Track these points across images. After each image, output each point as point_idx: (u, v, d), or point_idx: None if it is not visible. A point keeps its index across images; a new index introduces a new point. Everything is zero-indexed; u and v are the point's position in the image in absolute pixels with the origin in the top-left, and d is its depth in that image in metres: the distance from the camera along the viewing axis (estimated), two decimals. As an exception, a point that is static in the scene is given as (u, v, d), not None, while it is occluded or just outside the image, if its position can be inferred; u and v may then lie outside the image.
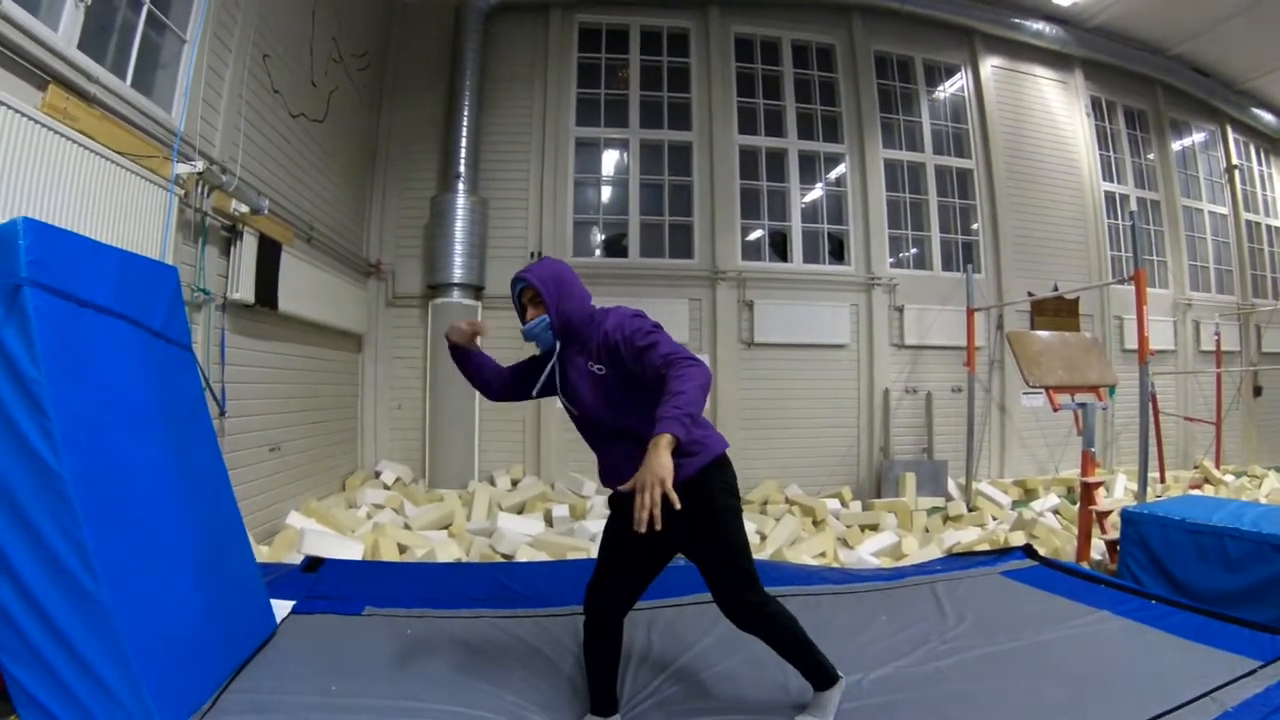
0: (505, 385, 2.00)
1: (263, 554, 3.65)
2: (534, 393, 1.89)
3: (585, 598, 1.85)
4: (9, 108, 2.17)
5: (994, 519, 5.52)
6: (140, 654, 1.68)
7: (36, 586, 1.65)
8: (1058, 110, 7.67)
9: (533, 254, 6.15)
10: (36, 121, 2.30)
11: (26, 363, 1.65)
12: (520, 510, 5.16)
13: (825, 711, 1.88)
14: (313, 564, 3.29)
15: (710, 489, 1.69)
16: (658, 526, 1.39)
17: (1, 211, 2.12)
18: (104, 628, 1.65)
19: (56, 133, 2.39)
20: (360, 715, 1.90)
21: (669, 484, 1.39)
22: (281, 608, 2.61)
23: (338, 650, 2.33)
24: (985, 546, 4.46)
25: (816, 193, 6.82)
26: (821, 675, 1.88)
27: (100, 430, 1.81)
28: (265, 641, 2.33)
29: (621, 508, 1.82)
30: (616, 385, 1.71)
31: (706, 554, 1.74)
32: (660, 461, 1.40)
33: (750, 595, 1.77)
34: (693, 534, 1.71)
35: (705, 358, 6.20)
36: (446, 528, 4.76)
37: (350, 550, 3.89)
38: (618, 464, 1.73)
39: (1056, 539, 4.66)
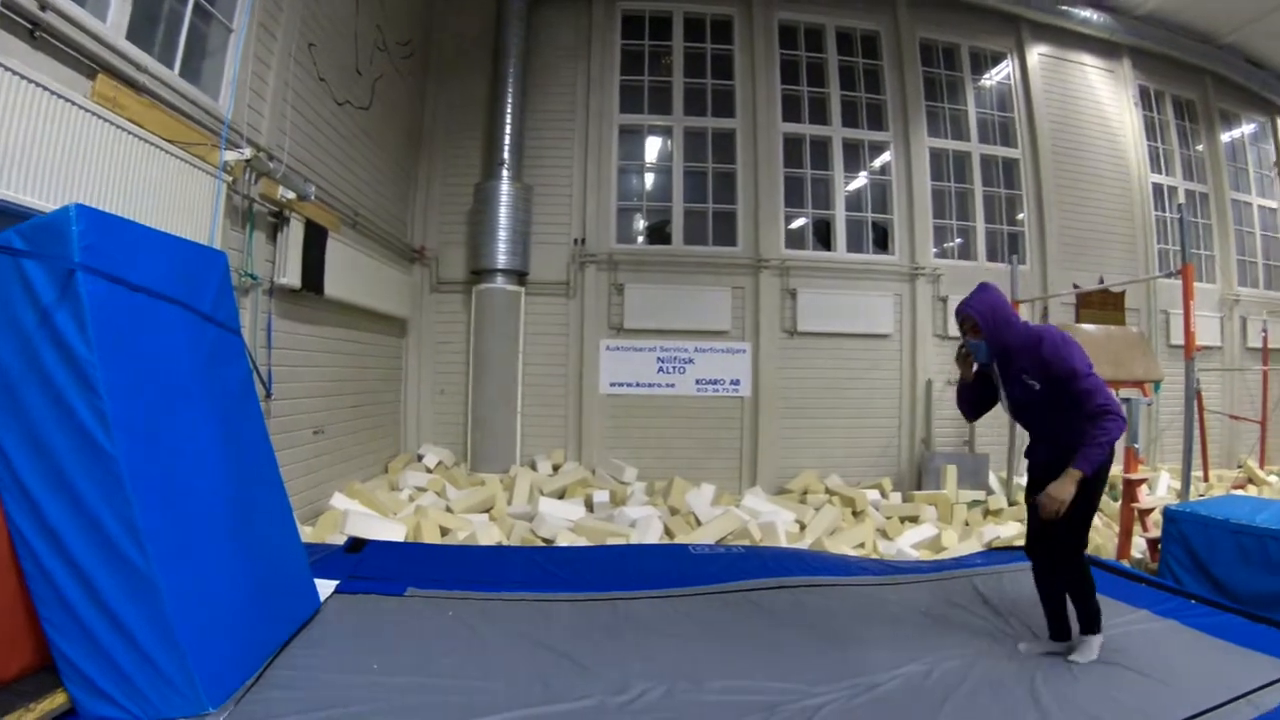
0: (980, 404, 2.48)
1: (307, 534, 3.70)
2: (999, 401, 2.37)
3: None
4: (60, 97, 2.21)
5: None
6: (187, 630, 1.71)
7: (87, 564, 1.68)
8: (1105, 100, 7.52)
9: (576, 240, 6.15)
10: (87, 110, 2.33)
11: (80, 345, 1.67)
12: (561, 495, 5.19)
13: (1090, 650, 2.24)
14: (356, 545, 3.32)
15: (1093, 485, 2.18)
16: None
17: (55, 198, 2.16)
18: (153, 605, 1.68)
19: (107, 121, 2.42)
20: (401, 693, 1.91)
21: (1064, 508, 2.05)
22: (325, 587, 2.63)
23: (379, 630, 2.35)
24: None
25: (861, 181, 6.75)
26: (1093, 622, 2.26)
27: (151, 411, 1.83)
28: (309, 620, 2.35)
29: (1034, 484, 2.33)
30: (1045, 399, 2.17)
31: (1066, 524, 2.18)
32: (1065, 490, 2.05)
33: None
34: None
35: (748, 346, 6.20)
36: (488, 511, 4.81)
37: (393, 532, 3.95)
38: (1041, 452, 2.29)
39: (1098, 536, 4.59)
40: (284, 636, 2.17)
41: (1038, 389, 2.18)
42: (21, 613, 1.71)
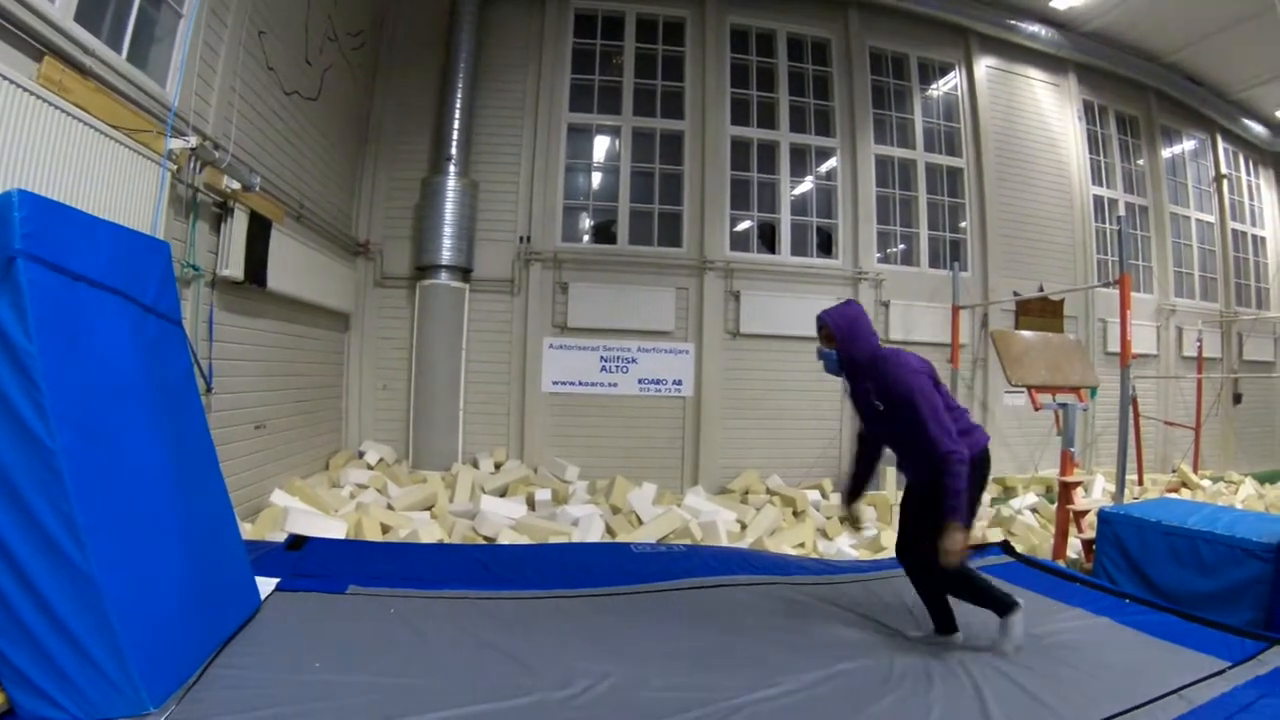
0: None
1: (247, 531, 3.65)
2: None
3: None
4: (4, 79, 2.15)
5: None
6: (128, 629, 1.68)
7: (26, 561, 1.64)
8: (1050, 112, 7.73)
9: (522, 238, 6.15)
10: (31, 93, 2.27)
11: (20, 335, 1.64)
12: (503, 493, 5.18)
13: (1014, 631, 2.29)
14: (296, 542, 3.28)
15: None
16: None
17: None
18: (92, 603, 1.64)
19: (51, 104, 2.37)
20: (343, 691, 1.91)
21: (963, 555, 2.12)
22: (266, 585, 2.60)
23: (321, 628, 2.33)
24: None
25: (806, 186, 6.85)
26: (1001, 605, 2.31)
27: (93, 404, 1.80)
28: (250, 618, 2.33)
29: (908, 491, 2.45)
30: (891, 420, 2.21)
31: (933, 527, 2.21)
32: (955, 541, 2.07)
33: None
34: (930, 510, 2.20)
35: (691, 347, 6.25)
36: (429, 509, 4.78)
37: (334, 529, 3.89)
38: (908, 470, 2.37)
39: (1034, 536, 4.73)
40: (225, 635, 2.14)
41: (882, 410, 2.22)
42: None
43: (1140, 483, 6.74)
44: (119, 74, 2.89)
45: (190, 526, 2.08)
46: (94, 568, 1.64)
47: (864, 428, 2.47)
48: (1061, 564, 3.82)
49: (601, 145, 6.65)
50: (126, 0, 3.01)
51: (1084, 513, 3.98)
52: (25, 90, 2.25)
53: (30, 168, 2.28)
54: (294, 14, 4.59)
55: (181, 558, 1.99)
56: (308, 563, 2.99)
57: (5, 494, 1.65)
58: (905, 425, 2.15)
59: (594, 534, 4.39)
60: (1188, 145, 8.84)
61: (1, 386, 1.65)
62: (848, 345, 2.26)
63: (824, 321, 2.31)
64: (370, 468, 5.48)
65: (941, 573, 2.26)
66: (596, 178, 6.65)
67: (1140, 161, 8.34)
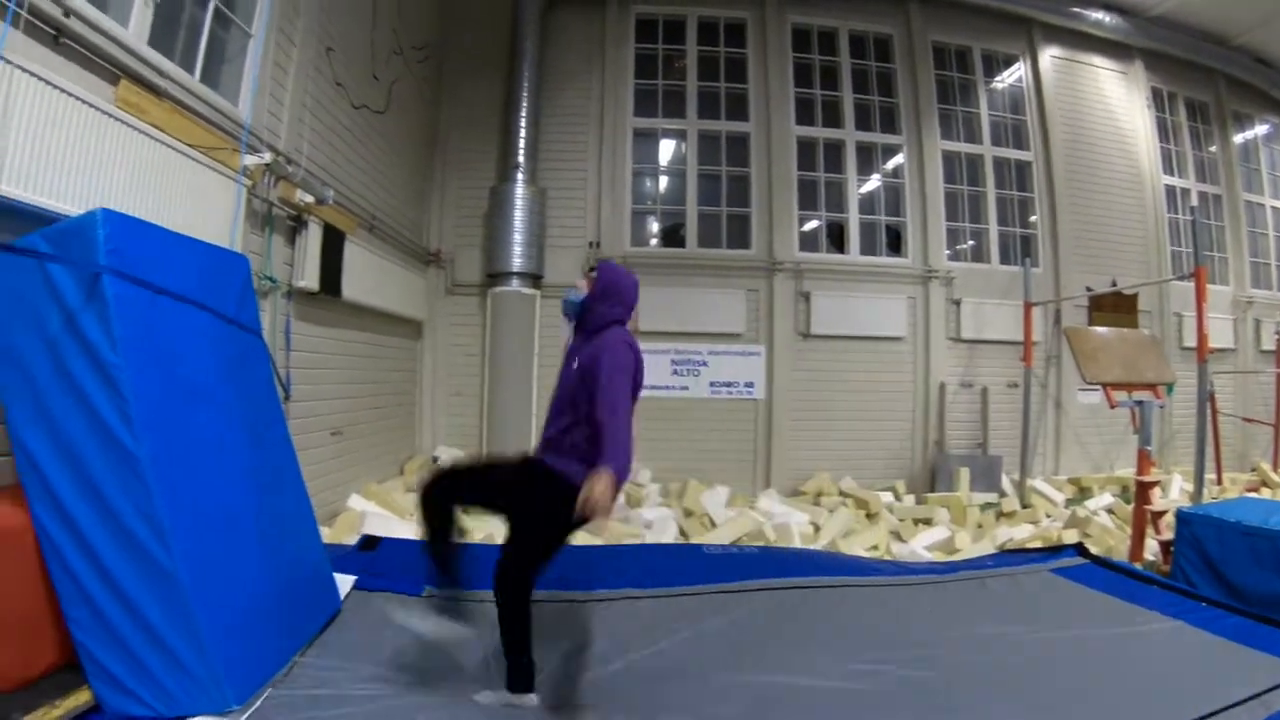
0: None
1: (324, 535, 3.66)
2: None
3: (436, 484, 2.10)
4: (84, 102, 2.23)
5: (1048, 516, 5.47)
6: (212, 628, 1.72)
7: (113, 563, 1.69)
8: (1117, 102, 7.51)
9: (591, 243, 6.20)
10: (110, 115, 2.34)
11: (106, 348, 1.69)
12: (576, 497, 5.21)
13: (508, 700, 1.95)
14: (369, 543, 3.35)
15: (563, 494, 1.86)
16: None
17: (79, 202, 2.17)
18: (178, 602, 1.69)
19: (130, 126, 2.44)
20: (422, 691, 1.93)
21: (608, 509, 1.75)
22: (344, 583, 2.66)
23: (398, 628, 2.34)
24: (1038, 544, 4.43)
25: (874, 184, 6.77)
26: (524, 680, 1.97)
27: (176, 413, 1.85)
28: (332, 618, 2.38)
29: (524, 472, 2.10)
30: (571, 387, 1.98)
31: (522, 527, 2.01)
32: (601, 486, 1.69)
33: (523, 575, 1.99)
34: (527, 508, 1.99)
35: (761, 349, 6.22)
36: None
37: (409, 533, 3.94)
38: (548, 437, 2.04)
39: (1110, 538, 4.61)
40: (308, 635, 2.19)
41: (574, 369, 2.01)
42: (47, 612, 1.74)
43: (1219, 482, 6.52)
44: (193, 94, 2.98)
45: (272, 529, 2.12)
46: (179, 568, 1.69)
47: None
48: (1138, 566, 3.71)
49: (667, 149, 6.66)
50: (197, 23, 3.10)
51: (1161, 513, 3.87)
52: (104, 113, 2.32)
53: (112, 187, 2.35)
54: (360, 30, 4.68)
55: (263, 559, 2.03)
56: (381, 563, 3.05)
57: (92, 499, 1.71)
58: (577, 400, 1.95)
59: (667, 536, 4.40)
60: (1260, 130, 8.50)
61: (88, 396, 1.70)
62: (596, 300, 2.04)
63: (596, 268, 2.12)
64: (445, 473, 5.56)
65: (499, 586, 1.95)
66: (663, 181, 6.67)
67: (1212, 149, 8.05)
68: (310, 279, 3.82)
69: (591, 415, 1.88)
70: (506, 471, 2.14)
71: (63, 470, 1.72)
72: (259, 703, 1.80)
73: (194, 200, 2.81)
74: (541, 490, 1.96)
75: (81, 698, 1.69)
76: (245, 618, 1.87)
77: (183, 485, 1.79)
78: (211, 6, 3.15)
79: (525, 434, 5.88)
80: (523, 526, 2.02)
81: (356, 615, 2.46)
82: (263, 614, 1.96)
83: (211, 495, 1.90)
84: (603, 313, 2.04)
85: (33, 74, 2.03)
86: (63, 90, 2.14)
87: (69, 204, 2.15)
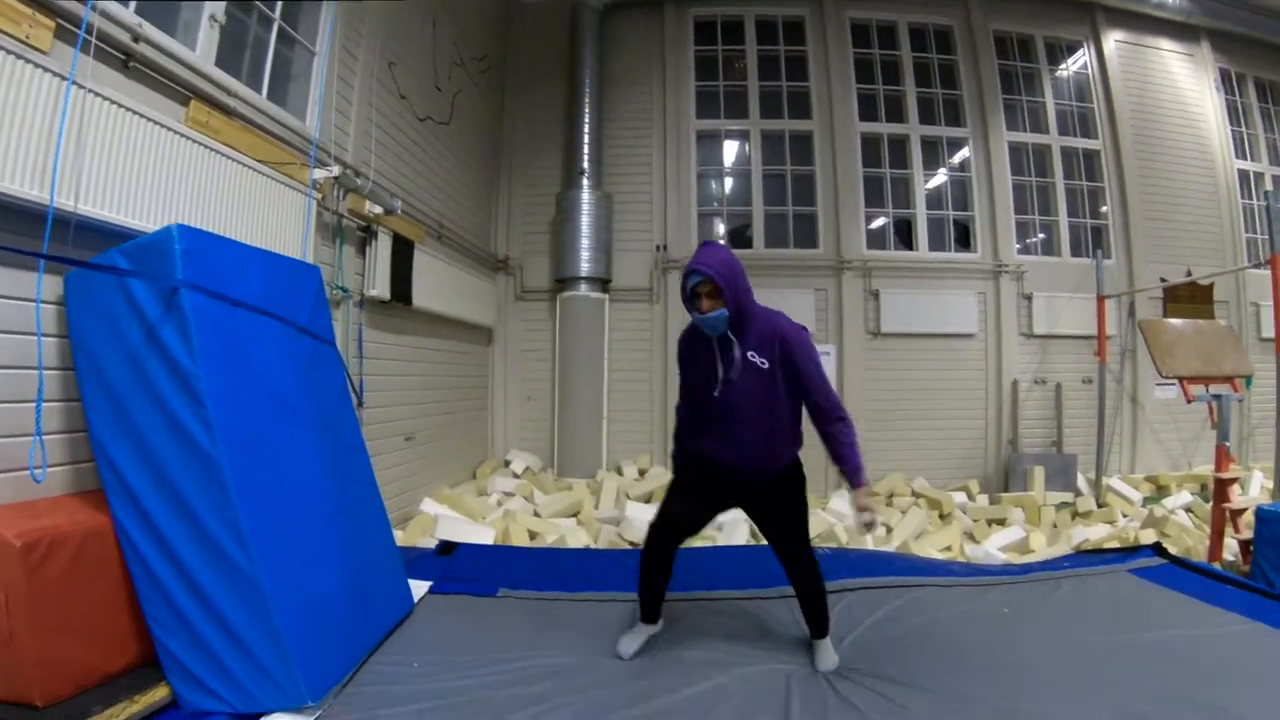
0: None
1: (398, 538, 3.73)
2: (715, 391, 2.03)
3: (651, 529, 2.22)
4: (156, 123, 2.30)
5: (1124, 515, 5.34)
6: (288, 627, 1.76)
7: (193, 565, 1.75)
8: (1185, 85, 7.28)
9: (658, 246, 6.22)
10: (181, 135, 2.42)
11: (185, 358, 1.76)
12: (648, 500, 5.24)
13: (829, 655, 2.20)
14: (447, 548, 3.42)
15: (801, 478, 2.16)
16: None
17: (154, 219, 2.24)
18: (256, 602, 1.74)
19: (201, 144, 2.52)
20: (494, 690, 1.95)
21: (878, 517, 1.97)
22: (419, 588, 2.72)
23: (473, 628, 2.41)
24: (1114, 544, 4.34)
25: (940, 178, 6.66)
26: (826, 625, 2.23)
27: (254, 420, 1.91)
28: (404, 618, 2.43)
29: (706, 470, 2.13)
30: (764, 384, 1.95)
31: (794, 522, 2.17)
32: (872, 501, 1.97)
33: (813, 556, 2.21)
34: (779, 508, 2.14)
35: (831, 349, 6.18)
36: (575, 515, 4.89)
37: (482, 536, 4.04)
38: (744, 441, 2.02)
39: (1188, 537, 4.50)
40: (380, 634, 2.25)
41: (764, 368, 1.93)
42: (128, 611, 1.81)
43: (1302, 477, 6.28)
44: (261, 112, 3.06)
45: (347, 531, 2.18)
46: (257, 570, 1.74)
47: (718, 398, 2.02)
48: (1217, 566, 3.60)
49: (731, 150, 6.64)
50: (263, 43, 3.19)
51: (1240, 511, 3.75)
52: (176, 133, 2.40)
53: (187, 204, 2.42)
54: (421, 44, 4.76)
55: (338, 561, 2.08)
56: (458, 567, 3.10)
57: (174, 503, 1.76)
58: (776, 392, 1.96)
59: (739, 538, 4.39)
60: (1334, 110, 8.18)
61: (169, 405, 1.76)
62: (739, 299, 1.90)
63: (706, 275, 1.87)
64: (516, 476, 5.64)
65: (804, 562, 2.16)
66: (729, 183, 6.65)
67: (1285, 131, 7.77)
68: (381, 288, 3.91)
69: (812, 404, 1.99)
70: (744, 501, 2.18)
71: (145, 477, 1.79)
72: (333, 699, 1.84)
73: (266, 214, 2.89)
74: (792, 485, 2.14)
75: (159, 693, 1.75)
76: (321, 618, 1.92)
77: (261, 489, 1.85)
78: (275, 27, 3.24)
79: (596, 437, 5.95)
80: (795, 521, 2.17)
81: (429, 616, 2.52)
82: (338, 614, 2.01)
83: (289, 498, 1.96)
84: (751, 301, 1.95)
85: (105, 98, 2.10)
86: (135, 112, 2.21)
87: (145, 221, 2.22)
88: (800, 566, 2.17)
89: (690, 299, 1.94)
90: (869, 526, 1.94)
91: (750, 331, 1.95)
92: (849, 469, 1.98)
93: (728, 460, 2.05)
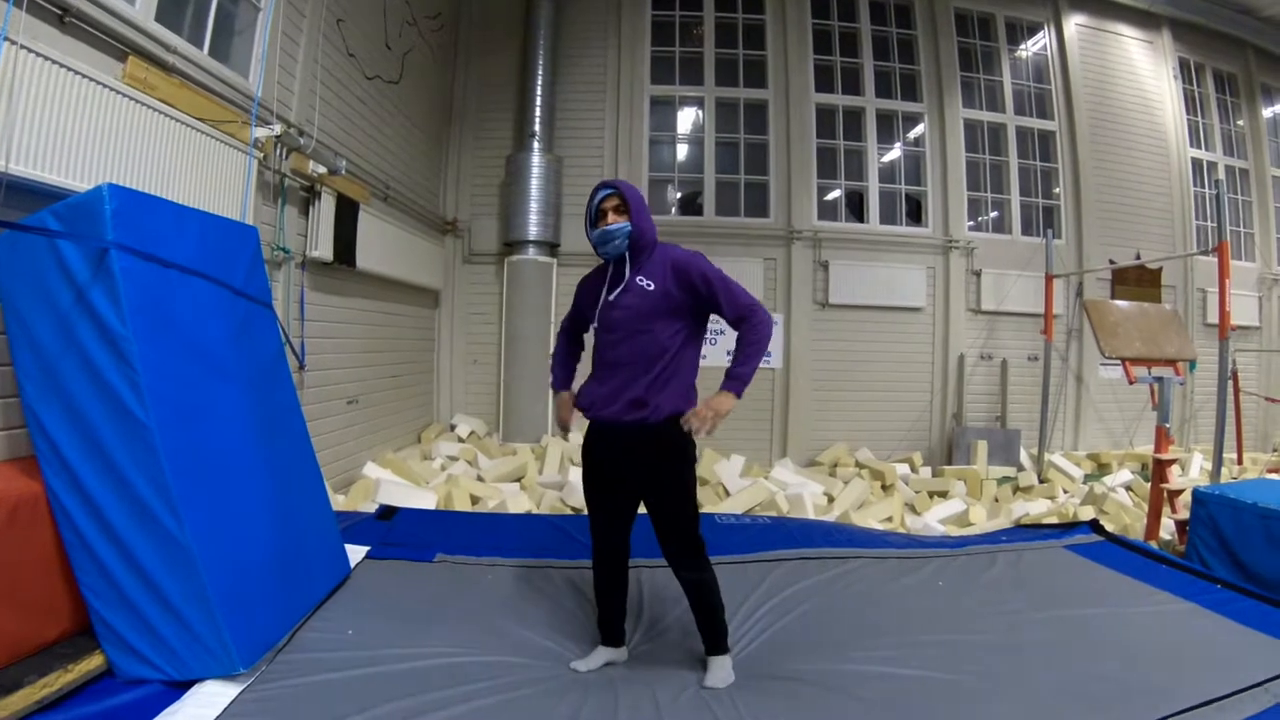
0: (578, 341, 2.23)
1: (340, 503, 3.74)
2: (595, 316, 1.96)
3: (592, 542, 2.03)
4: (92, 80, 2.22)
5: (1065, 492, 5.41)
6: (220, 593, 1.74)
7: (124, 531, 1.72)
8: (1144, 72, 7.35)
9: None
10: (118, 92, 2.33)
11: (114, 320, 1.71)
12: (592, 465, 5.21)
13: (723, 673, 1.91)
14: (386, 513, 3.38)
15: (679, 436, 1.83)
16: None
17: (89, 179, 2.17)
18: (187, 569, 1.72)
19: (138, 102, 2.43)
20: (425, 656, 1.94)
21: (718, 424, 1.77)
22: (356, 553, 2.69)
23: (407, 594, 2.39)
24: (1053, 519, 4.38)
25: (894, 153, 6.67)
26: (721, 641, 1.95)
27: (184, 383, 1.87)
28: (340, 584, 2.41)
29: (595, 445, 1.97)
30: (654, 306, 1.83)
31: (663, 498, 1.88)
32: (725, 403, 1.78)
33: (693, 543, 1.91)
34: (655, 476, 1.86)
35: (779, 318, 6.17)
36: (519, 480, 4.84)
37: (424, 500, 3.99)
38: (611, 392, 1.86)
39: (1127, 515, 4.55)
40: (315, 600, 2.22)
41: (649, 289, 1.84)
42: (60, 579, 1.77)
43: (1240, 462, 6.42)
44: (202, 68, 2.95)
45: (281, 496, 2.15)
46: (188, 535, 1.71)
47: (599, 328, 1.96)
48: (1153, 545, 3.63)
49: (685, 117, 6.58)
50: None
51: (1178, 492, 3.78)
52: (112, 90, 2.31)
53: (122, 163, 2.35)
54: (371, 1, 4.63)
55: (272, 526, 2.05)
56: (397, 532, 3.06)
57: (104, 468, 1.73)
58: (660, 315, 1.83)
59: None
60: (1290, 104, 8.30)
61: (99, 368, 1.72)
62: (640, 219, 1.87)
63: (615, 189, 1.89)
64: (461, 440, 5.58)
65: (688, 560, 1.88)
66: (681, 150, 6.59)
67: (1240, 122, 7.88)
68: (324, 249, 3.82)
69: (722, 309, 1.84)
70: (628, 470, 1.88)
71: (75, 442, 1.74)
72: (266, 665, 1.83)
73: (205, 174, 2.81)
74: (671, 447, 1.83)
75: (94, 661, 1.72)
76: (254, 583, 1.90)
77: (192, 454, 1.81)
78: (220, -21, 3.13)
79: (542, 401, 5.89)
80: (674, 491, 1.87)
81: (365, 581, 2.49)
82: (270, 579, 1.98)
83: (221, 463, 1.93)
84: (648, 229, 1.89)
85: (38, 54, 2.01)
86: (69, 69, 2.13)
87: (80, 181, 2.15)
88: (676, 547, 1.87)
89: (595, 218, 1.91)
90: (691, 431, 1.78)
91: (644, 263, 1.91)
92: (731, 367, 1.80)
93: (600, 399, 1.89)
